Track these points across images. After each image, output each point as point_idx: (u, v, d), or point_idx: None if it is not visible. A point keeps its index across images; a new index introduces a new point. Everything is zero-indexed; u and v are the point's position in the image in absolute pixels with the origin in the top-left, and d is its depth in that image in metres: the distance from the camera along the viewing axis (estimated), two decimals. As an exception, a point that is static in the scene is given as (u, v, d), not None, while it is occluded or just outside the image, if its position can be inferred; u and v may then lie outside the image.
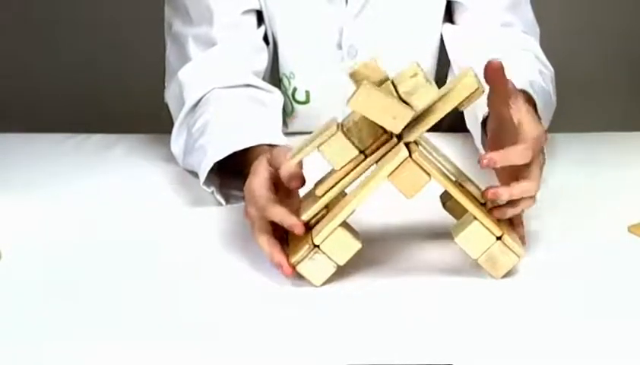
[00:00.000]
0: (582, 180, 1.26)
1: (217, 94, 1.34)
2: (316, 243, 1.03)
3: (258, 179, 1.08)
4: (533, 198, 1.07)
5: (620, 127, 1.43)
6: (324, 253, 1.03)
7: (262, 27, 1.41)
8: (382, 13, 1.41)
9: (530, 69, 1.32)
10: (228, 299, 1.03)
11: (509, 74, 1.13)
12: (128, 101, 2.42)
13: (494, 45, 1.37)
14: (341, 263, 1.04)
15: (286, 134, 1.42)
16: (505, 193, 1.04)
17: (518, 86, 1.17)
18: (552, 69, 1.39)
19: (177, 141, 1.36)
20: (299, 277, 1.04)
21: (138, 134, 1.49)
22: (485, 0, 1.41)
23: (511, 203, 1.06)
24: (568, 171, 1.27)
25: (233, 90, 1.35)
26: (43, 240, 1.15)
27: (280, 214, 1.05)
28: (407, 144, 1.02)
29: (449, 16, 1.45)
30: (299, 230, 1.04)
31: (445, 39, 1.43)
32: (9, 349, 0.94)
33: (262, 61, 1.41)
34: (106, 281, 1.06)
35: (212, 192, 1.25)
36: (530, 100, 1.19)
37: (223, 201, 1.26)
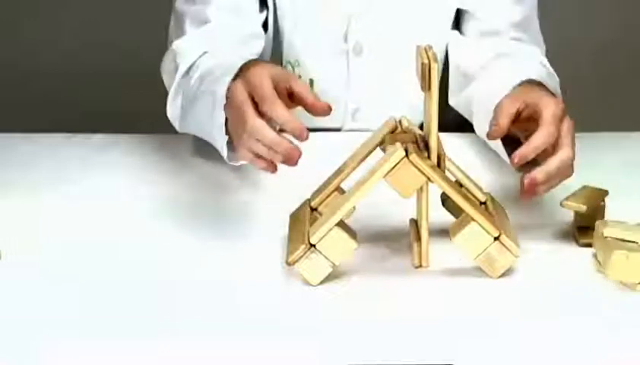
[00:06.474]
0: (581, 180, 1.26)
1: (209, 56, 1.32)
2: (312, 243, 1.03)
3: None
4: (571, 166, 1.09)
5: (617, 127, 1.43)
6: (320, 253, 1.03)
7: (264, 14, 1.41)
8: (390, 10, 1.41)
9: (537, 71, 1.31)
10: (226, 299, 1.03)
11: (515, 74, 1.12)
12: (128, 101, 2.41)
13: (500, 54, 1.37)
14: (337, 262, 1.04)
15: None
16: (540, 175, 1.07)
17: (524, 78, 1.18)
18: (557, 79, 1.37)
19: (174, 104, 1.34)
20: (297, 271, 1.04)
21: (138, 135, 1.49)
22: (496, 13, 1.40)
23: (548, 179, 1.08)
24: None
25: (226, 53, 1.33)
26: (43, 240, 1.15)
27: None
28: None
29: (456, 23, 1.45)
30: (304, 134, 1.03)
31: (449, 45, 1.42)
32: (9, 349, 0.94)
33: (255, 47, 1.39)
34: (106, 281, 1.07)
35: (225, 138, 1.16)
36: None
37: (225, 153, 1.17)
